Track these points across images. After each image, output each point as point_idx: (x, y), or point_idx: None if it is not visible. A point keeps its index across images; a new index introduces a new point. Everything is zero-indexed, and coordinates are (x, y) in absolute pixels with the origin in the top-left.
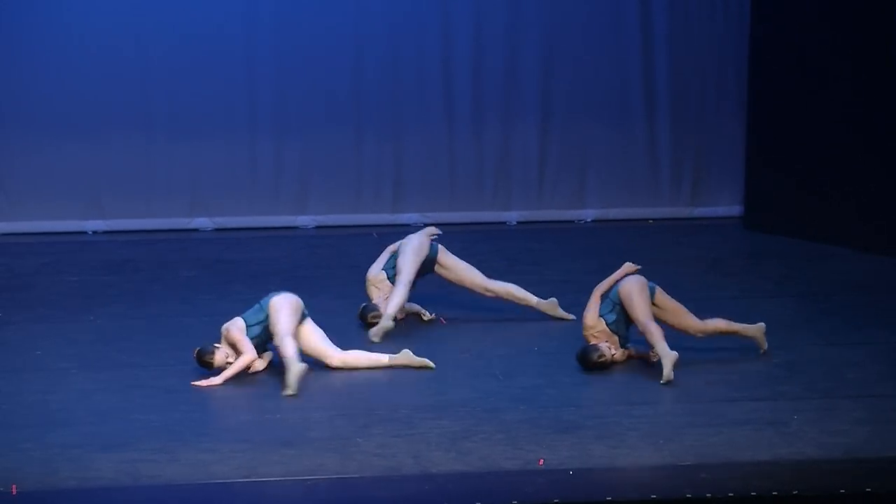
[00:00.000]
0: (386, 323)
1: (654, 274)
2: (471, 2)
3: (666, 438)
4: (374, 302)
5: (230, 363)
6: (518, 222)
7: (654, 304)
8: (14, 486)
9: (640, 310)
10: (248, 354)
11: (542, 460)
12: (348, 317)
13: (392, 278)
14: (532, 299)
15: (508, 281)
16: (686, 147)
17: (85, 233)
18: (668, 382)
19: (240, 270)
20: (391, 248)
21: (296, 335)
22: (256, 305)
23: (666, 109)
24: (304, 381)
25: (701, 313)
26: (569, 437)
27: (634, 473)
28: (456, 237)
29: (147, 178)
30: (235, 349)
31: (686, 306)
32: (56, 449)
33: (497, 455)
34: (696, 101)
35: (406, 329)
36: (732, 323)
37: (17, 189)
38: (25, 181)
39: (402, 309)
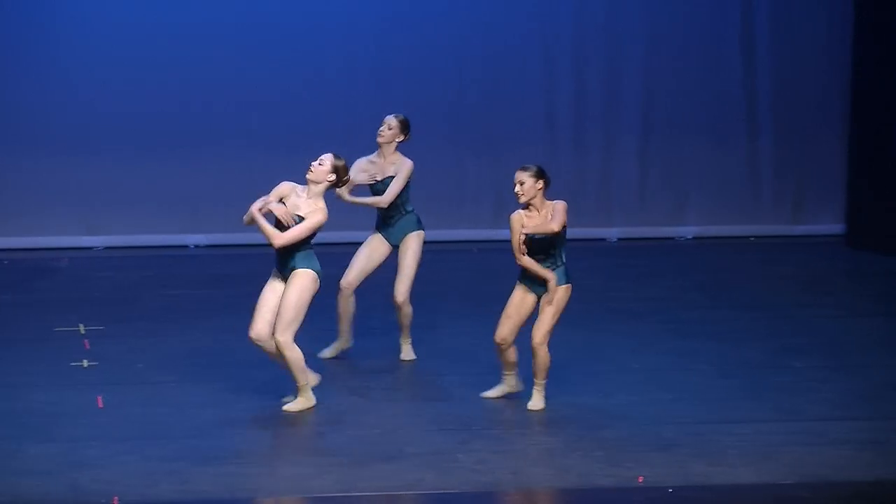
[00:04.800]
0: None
1: (751, 292)
2: (570, 22)
3: (765, 457)
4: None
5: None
6: (618, 239)
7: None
8: (116, 499)
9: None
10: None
11: (641, 478)
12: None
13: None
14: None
15: (610, 298)
16: (787, 164)
17: (186, 247)
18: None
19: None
20: None
21: None
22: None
23: (767, 126)
24: (399, 394)
25: (797, 332)
26: (667, 454)
27: (734, 492)
28: None
29: (248, 194)
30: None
31: (780, 324)
32: (156, 462)
33: (596, 472)
34: (797, 118)
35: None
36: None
37: (122, 204)
38: (129, 196)
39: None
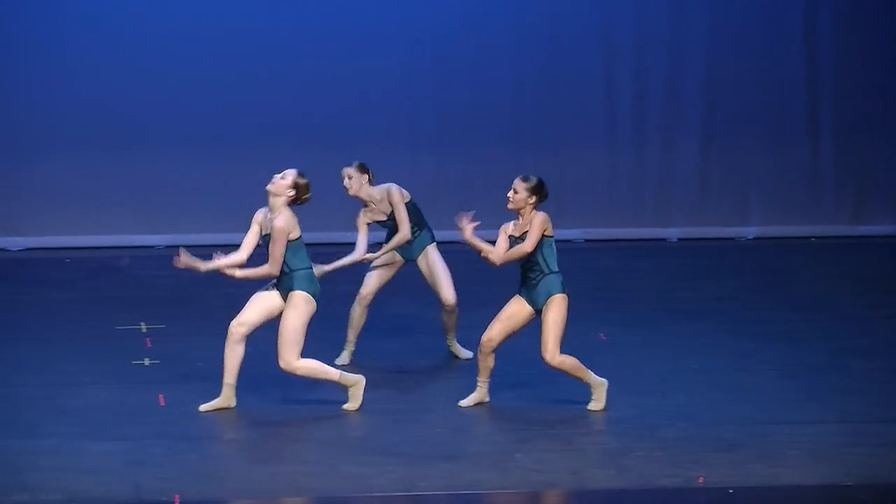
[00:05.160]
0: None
1: (811, 292)
2: (632, 20)
3: (826, 458)
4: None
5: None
6: (679, 239)
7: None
8: (177, 497)
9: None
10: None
11: (701, 478)
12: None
13: None
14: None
15: (670, 298)
16: (849, 164)
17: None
18: None
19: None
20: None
21: None
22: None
23: (828, 126)
24: (457, 393)
25: (857, 333)
26: (728, 454)
27: (794, 493)
28: (616, 253)
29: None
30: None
31: (840, 325)
32: (216, 460)
33: (656, 472)
34: (859, 118)
35: (566, 346)
36: (582, 366)
37: (183, 203)
38: (190, 195)
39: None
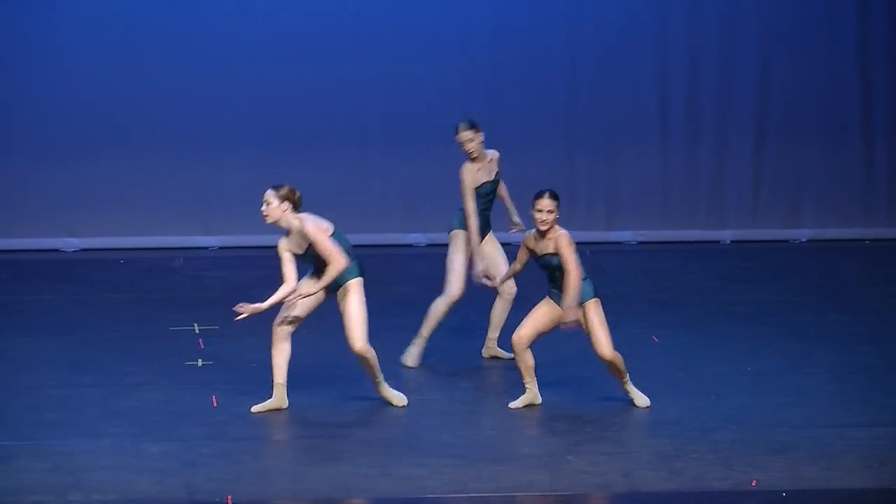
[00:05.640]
0: None
1: (866, 295)
2: (686, 22)
3: (880, 461)
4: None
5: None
6: (732, 241)
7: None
8: (229, 498)
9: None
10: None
11: (754, 481)
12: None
13: None
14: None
15: (724, 301)
16: None
17: None
18: None
19: None
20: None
21: None
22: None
23: (883, 128)
24: (510, 394)
25: None
26: (781, 457)
27: (848, 496)
28: (669, 256)
29: (363, 193)
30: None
31: (893, 327)
32: (268, 461)
33: (709, 475)
34: None
35: (618, 348)
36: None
37: (236, 204)
38: (243, 197)
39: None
